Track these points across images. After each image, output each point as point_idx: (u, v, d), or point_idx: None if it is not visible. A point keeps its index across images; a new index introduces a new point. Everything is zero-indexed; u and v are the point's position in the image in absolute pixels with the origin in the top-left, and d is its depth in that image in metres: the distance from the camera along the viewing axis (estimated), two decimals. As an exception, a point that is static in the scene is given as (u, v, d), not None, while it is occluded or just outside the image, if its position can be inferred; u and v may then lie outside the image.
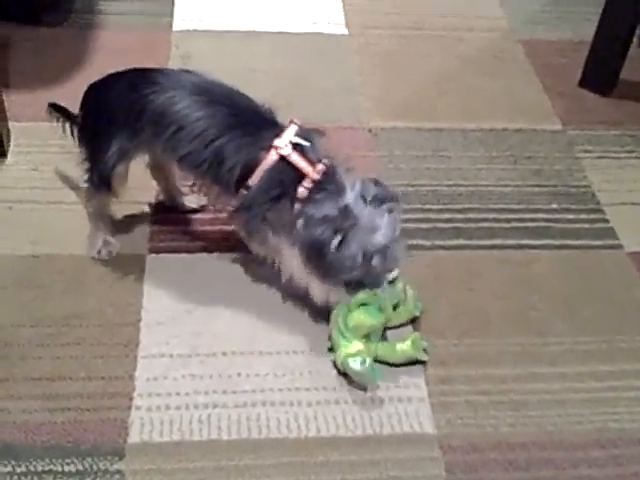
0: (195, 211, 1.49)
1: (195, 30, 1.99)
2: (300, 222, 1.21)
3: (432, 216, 1.57)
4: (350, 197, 1.20)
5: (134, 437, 1.15)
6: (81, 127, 1.33)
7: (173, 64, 1.86)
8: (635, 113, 1.86)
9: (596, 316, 1.40)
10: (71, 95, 1.64)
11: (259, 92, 1.71)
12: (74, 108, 1.41)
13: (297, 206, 1.22)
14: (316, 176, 1.21)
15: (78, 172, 1.40)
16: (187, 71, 1.29)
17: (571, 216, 1.60)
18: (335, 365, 1.27)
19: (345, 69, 1.93)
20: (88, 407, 1.19)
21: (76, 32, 1.93)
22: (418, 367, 1.29)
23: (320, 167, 1.21)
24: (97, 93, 1.31)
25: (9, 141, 1.59)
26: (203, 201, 1.47)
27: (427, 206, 1.59)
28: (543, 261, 1.50)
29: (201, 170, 1.25)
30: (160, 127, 1.23)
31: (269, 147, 1.22)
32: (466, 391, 1.26)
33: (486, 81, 1.93)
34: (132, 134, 1.26)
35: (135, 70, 1.30)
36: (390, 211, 1.22)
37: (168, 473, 1.12)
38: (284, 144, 1.22)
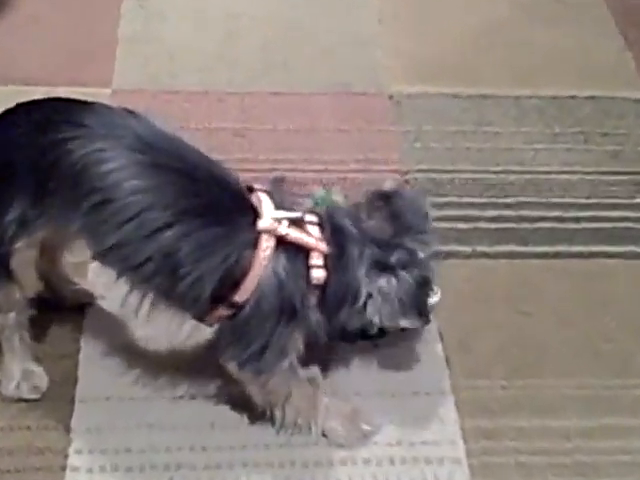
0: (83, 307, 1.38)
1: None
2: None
3: (474, 213, 1.58)
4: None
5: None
6: None
7: (127, 6, 1.87)
8: None
9: (694, 350, 1.40)
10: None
11: (245, 46, 1.71)
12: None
13: (312, 300, 1.16)
14: (324, 247, 1.15)
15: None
16: (130, 112, 1.14)
17: (661, 215, 1.60)
18: None
19: (359, 15, 1.94)
20: (11, 468, 1.20)
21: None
22: (452, 417, 1.29)
23: (319, 233, 1.16)
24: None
25: None
26: (98, 292, 1.37)
27: (467, 199, 1.61)
28: (621, 275, 1.52)
29: (141, 275, 1.12)
30: (78, 193, 1.10)
31: (256, 236, 1.12)
32: (516, 449, 1.27)
33: (547, 33, 1.94)
34: (38, 197, 1.12)
35: (55, 101, 1.17)
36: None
37: None
38: (272, 222, 1.13)
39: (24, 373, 1.27)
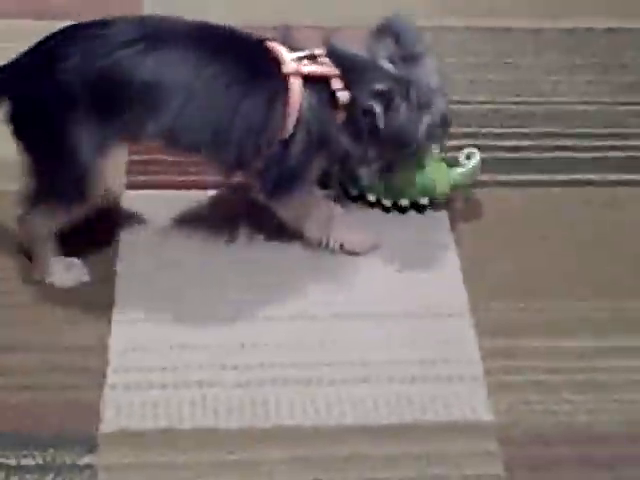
0: None
1: None
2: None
3: (494, 143, 1.64)
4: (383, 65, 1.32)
5: (108, 423, 1.19)
6: (19, 123, 1.23)
7: None
8: None
9: None
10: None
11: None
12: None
13: (339, 124, 1.32)
14: (337, 72, 1.30)
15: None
16: (152, 17, 1.33)
17: (677, 144, 1.67)
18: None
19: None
20: (51, 386, 1.24)
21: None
22: (471, 337, 1.33)
23: (330, 63, 1.31)
24: (37, 67, 1.22)
25: None
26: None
27: (487, 130, 1.67)
28: (637, 202, 1.57)
29: (227, 153, 1.31)
30: (155, 99, 1.22)
31: (284, 79, 1.28)
32: (532, 368, 1.30)
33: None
34: (110, 117, 1.22)
35: (84, 27, 1.26)
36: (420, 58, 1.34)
37: (151, 468, 1.16)
38: (293, 62, 1.29)
39: (67, 266, 1.36)
